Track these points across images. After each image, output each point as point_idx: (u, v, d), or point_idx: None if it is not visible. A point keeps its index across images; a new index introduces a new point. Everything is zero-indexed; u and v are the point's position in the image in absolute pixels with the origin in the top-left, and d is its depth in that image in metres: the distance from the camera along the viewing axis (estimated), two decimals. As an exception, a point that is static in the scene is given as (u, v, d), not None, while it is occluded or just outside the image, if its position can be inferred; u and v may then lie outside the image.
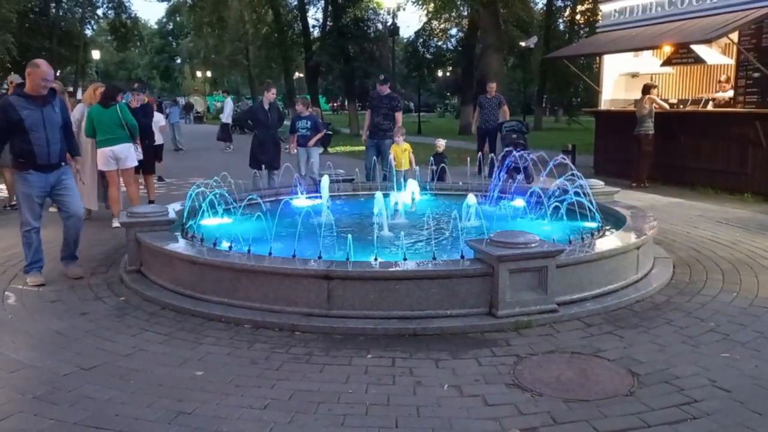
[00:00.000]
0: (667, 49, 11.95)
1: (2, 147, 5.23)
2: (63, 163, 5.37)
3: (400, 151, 9.20)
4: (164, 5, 55.38)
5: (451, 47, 35.23)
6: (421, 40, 33.50)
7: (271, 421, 3.01)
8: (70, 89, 20.19)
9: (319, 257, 4.60)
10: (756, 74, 9.91)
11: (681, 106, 12.21)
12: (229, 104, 23.08)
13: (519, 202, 7.15)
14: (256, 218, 6.14)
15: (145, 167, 8.67)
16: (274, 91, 9.71)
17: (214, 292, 4.62)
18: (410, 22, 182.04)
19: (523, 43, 28.52)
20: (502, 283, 4.15)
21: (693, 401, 3.15)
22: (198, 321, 4.38)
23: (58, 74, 25.81)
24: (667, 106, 11.22)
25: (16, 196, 5.47)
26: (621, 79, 13.33)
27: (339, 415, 3.06)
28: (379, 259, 4.57)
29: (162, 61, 67.00)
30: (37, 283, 5.26)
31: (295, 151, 9.82)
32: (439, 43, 34.52)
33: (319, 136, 10.00)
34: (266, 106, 9.29)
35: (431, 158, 10.01)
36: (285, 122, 10.76)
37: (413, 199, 7.66)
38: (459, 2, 27.56)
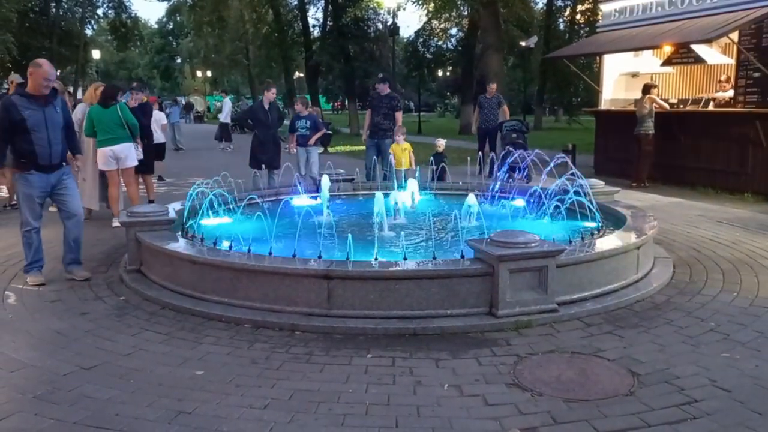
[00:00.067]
0: (668, 49, 11.94)
1: (5, 147, 5.12)
2: (64, 163, 5.37)
3: (400, 151, 9.20)
4: (164, 5, 55.59)
5: (451, 47, 35.26)
6: (421, 39, 33.52)
7: (271, 421, 3.00)
8: (70, 89, 20.18)
9: (319, 257, 4.60)
10: (756, 74, 9.91)
11: (681, 106, 12.21)
12: (227, 104, 23.08)
13: (519, 202, 7.15)
14: (256, 218, 6.14)
15: (144, 167, 8.65)
16: (274, 90, 9.72)
17: (214, 291, 4.62)
18: (410, 21, 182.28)
19: (523, 43, 28.52)
20: (503, 282, 4.15)
21: (693, 401, 3.15)
22: (198, 321, 4.38)
23: (58, 74, 25.72)
24: (667, 106, 11.22)
25: (17, 195, 5.46)
26: (621, 79, 13.33)
27: (339, 415, 3.06)
28: (379, 259, 4.57)
29: (162, 60, 67.01)
30: (37, 283, 5.26)
31: (295, 150, 9.82)
32: (439, 43, 34.57)
33: (319, 134, 10.00)
34: (266, 106, 9.30)
35: (431, 158, 10.02)
36: (285, 122, 10.76)
37: (413, 199, 7.67)
38: (459, 2, 27.57)
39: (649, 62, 12.94)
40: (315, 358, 3.74)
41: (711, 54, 11.59)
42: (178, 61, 67.20)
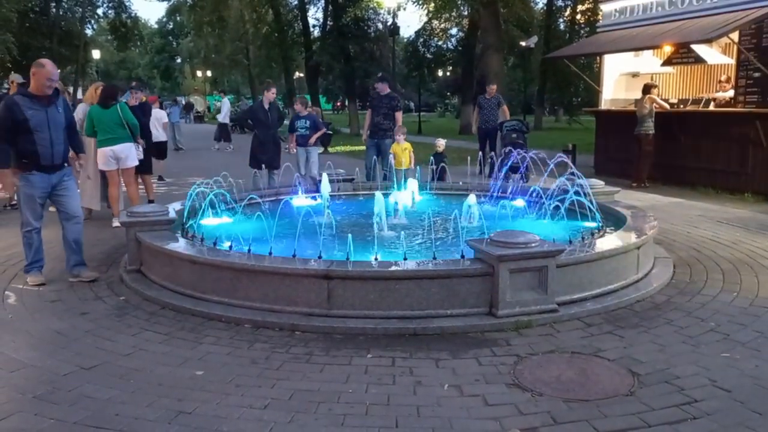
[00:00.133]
0: (668, 49, 11.94)
1: (9, 148, 5.06)
2: (66, 164, 5.37)
3: (401, 150, 9.21)
4: (164, 5, 55.55)
5: (452, 47, 35.25)
6: (421, 39, 33.52)
7: (271, 421, 3.00)
8: (70, 89, 20.18)
9: (320, 257, 4.60)
10: (756, 74, 9.91)
11: (681, 106, 12.21)
12: (225, 104, 23.07)
13: (519, 202, 7.15)
14: (256, 218, 6.14)
15: (142, 167, 8.64)
16: (274, 90, 9.72)
17: (214, 291, 4.62)
18: (410, 21, 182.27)
19: (523, 43, 28.52)
20: (503, 282, 4.15)
21: (693, 401, 3.14)
22: (198, 321, 4.38)
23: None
24: (667, 106, 11.22)
25: (17, 196, 5.45)
26: (621, 79, 13.33)
27: (339, 415, 3.06)
28: (379, 259, 4.57)
29: (162, 60, 67.01)
30: (38, 283, 5.25)
31: (295, 150, 9.82)
32: (440, 43, 34.57)
33: (319, 133, 10.00)
34: (266, 106, 9.30)
35: (431, 158, 10.02)
36: (285, 122, 10.76)
37: (413, 199, 7.66)
38: (459, 2, 27.56)
39: (649, 62, 12.94)
40: (315, 358, 3.74)
41: (711, 54, 11.59)
42: (178, 61, 67.19)
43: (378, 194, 6.25)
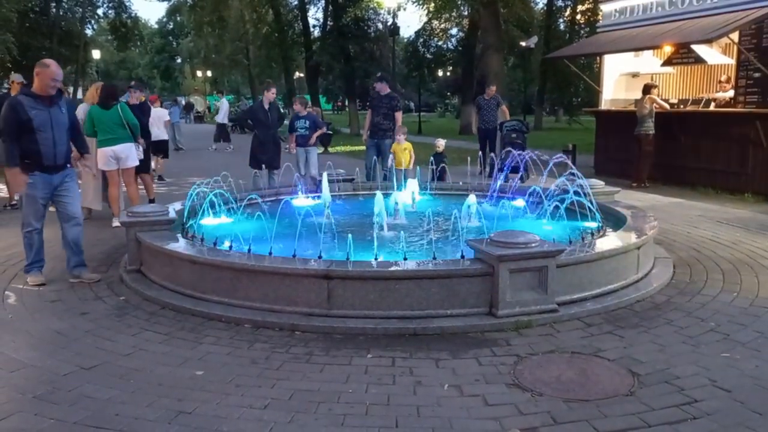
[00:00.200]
0: (668, 49, 11.95)
1: (16, 148, 5.04)
2: (68, 165, 5.37)
3: (401, 150, 9.20)
4: (164, 5, 55.57)
5: (452, 47, 35.23)
6: (421, 39, 33.50)
7: (271, 421, 3.00)
8: (70, 89, 20.18)
9: (320, 257, 4.60)
10: (756, 74, 9.91)
11: (681, 106, 12.21)
12: (224, 104, 23.06)
13: (519, 202, 7.15)
14: (256, 218, 6.14)
15: (140, 167, 8.62)
16: (274, 90, 9.72)
17: (214, 291, 4.62)
18: (410, 21, 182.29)
19: (523, 43, 28.53)
20: (503, 282, 4.15)
21: (693, 401, 3.14)
22: (198, 321, 4.38)
23: (58, 74, 25.66)
24: (667, 106, 11.22)
25: (19, 196, 5.45)
26: (621, 79, 13.33)
27: (339, 415, 3.06)
28: (380, 259, 4.57)
29: (162, 60, 67.02)
30: (38, 283, 5.25)
31: (294, 150, 9.83)
32: (440, 43, 34.53)
33: (319, 132, 10.00)
34: (266, 106, 9.30)
35: (431, 158, 10.02)
36: (285, 122, 10.77)
37: (413, 199, 7.66)
38: (459, 2, 27.56)
39: (649, 62, 12.94)
40: (315, 358, 3.74)
41: (711, 54, 11.59)
42: (179, 61, 67.20)
43: (378, 194, 6.25)
